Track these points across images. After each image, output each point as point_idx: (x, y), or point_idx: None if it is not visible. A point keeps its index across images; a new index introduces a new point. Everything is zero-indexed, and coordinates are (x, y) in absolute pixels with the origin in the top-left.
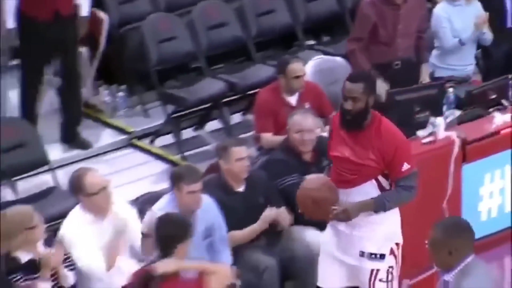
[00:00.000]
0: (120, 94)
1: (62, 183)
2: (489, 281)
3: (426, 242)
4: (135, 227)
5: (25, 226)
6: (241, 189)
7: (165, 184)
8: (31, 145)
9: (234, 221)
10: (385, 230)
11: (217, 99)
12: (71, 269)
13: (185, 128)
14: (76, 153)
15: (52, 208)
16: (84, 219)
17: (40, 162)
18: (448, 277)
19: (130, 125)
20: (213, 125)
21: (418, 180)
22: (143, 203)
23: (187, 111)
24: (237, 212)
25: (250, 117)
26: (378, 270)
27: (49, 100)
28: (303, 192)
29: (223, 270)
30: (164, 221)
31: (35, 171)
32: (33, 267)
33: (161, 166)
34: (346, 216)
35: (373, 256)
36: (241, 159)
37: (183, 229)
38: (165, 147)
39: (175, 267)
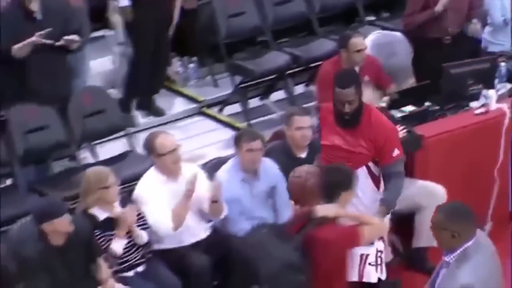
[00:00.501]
0: (192, 65)
1: (137, 148)
2: (487, 266)
3: (430, 222)
4: (204, 190)
5: (99, 185)
6: (303, 155)
7: (231, 150)
8: (110, 112)
9: None
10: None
11: (282, 71)
12: (145, 228)
13: (251, 98)
14: (150, 119)
15: (128, 171)
16: (157, 179)
17: (117, 128)
18: (449, 258)
19: (201, 95)
20: (278, 95)
21: (442, 156)
22: (211, 168)
23: (253, 82)
24: None
25: (312, 88)
26: (367, 254)
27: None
28: (293, 180)
29: (379, 223)
30: (332, 169)
31: (112, 136)
32: (110, 226)
33: (228, 133)
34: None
35: None
36: (301, 128)
37: (349, 178)
38: (232, 115)
39: (336, 213)
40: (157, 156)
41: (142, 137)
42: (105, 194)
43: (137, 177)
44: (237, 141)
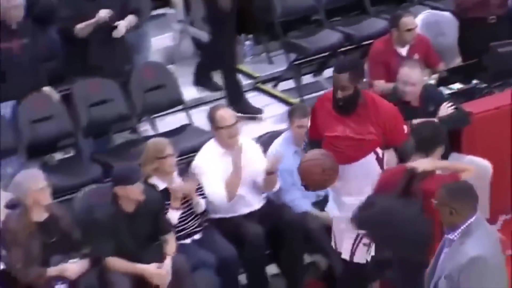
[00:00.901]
0: (248, 42)
1: (195, 121)
2: (490, 241)
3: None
4: (258, 163)
5: (157, 155)
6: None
7: (285, 125)
8: (169, 86)
9: None
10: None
11: (335, 49)
12: (203, 197)
13: (304, 74)
14: (208, 94)
15: (186, 143)
16: (215, 151)
17: (176, 102)
18: (452, 235)
19: (256, 71)
20: (330, 72)
21: (488, 132)
22: (266, 141)
23: (307, 59)
24: None
25: (364, 66)
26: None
27: (185, 47)
28: (310, 163)
29: (471, 168)
30: (426, 126)
31: (171, 110)
32: (167, 196)
33: (282, 108)
34: None
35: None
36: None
37: (443, 135)
38: (286, 91)
39: (433, 166)
40: (216, 129)
41: (199, 111)
42: (163, 164)
43: (194, 150)
44: (290, 116)
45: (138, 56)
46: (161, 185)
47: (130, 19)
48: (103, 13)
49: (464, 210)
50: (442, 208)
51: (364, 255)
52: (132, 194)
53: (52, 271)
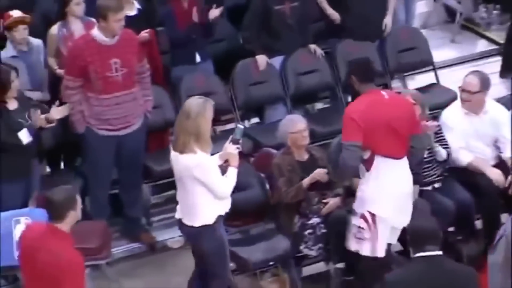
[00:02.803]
0: (495, 12)
1: (442, 81)
2: None
3: None
4: (502, 126)
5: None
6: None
7: None
8: (421, 49)
9: None
10: (360, 195)
11: None
12: (445, 148)
13: None
14: (457, 56)
15: (432, 100)
16: (460, 111)
17: (426, 63)
18: None
19: (501, 38)
20: None
21: None
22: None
23: None
24: None
25: None
26: (362, 228)
27: (438, 14)
28: None
29: None
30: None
31: (421, 70)
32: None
33: None
34: None
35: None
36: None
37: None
38: None
39: None
40: (460, 90)
41: (446, 72)
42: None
43: (439, 106)
44: None
45: (397, 21)
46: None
47: None
48: None
49: None
50: None
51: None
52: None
53: (306, 181)
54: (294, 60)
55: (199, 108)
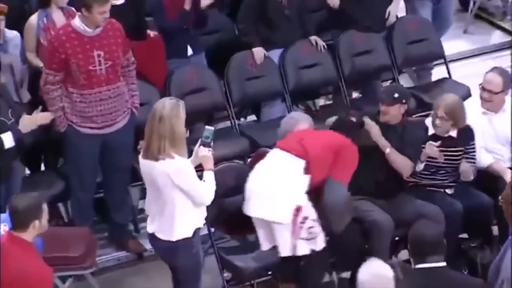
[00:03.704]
0: (511, 0)
1: (454, 75)
2: None
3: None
4: None
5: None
6: None
7: None
8: (431, 40)
9: None
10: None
11: None
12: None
13: None
14: (468, 49)
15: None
16: (477, 109)
17: (437, 56)
18: None
19: None
20: None
21: None
22: None
23: None
24: None
25: None
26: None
27: None
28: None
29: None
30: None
31: (431, 64)
32: None
33: None
34: None
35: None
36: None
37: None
38: None
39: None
40: (481, 88)
41: (459, 65)
42: None
43: None
44: None
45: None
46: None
47: None
48: None
49: None
50: (508, 207)
51: (305, 247)
52: None
53: None
54: (294, 53)
55: (172, 109)
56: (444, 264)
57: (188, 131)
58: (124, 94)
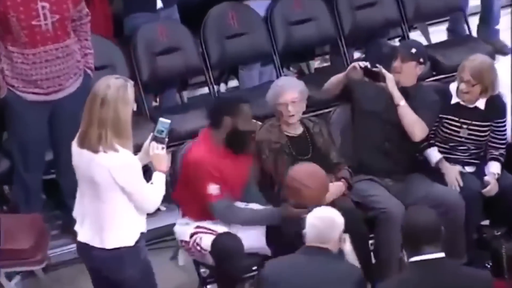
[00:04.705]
0: None
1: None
2: None
3: None
4: None
5: None
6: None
7: None
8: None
9: None
10: None
11: None
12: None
13: None
14: None
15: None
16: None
17: (454, 8)
18: None
19: None
20: None
21: None
22: None
23: None
24: None
25: None
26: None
27: None
28: None
29: None
30: None
31: (438, 20)
32: None
33: None
34: None
35: None
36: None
37: None
38: None
39: None
40: None
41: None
42: None
43: None
44: None
45: None
46: None
47: None
48: None
49: None
50: None
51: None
52: None
53: None
54: (284, 5)
55: (118, 90)
56: (442, 255)
57: (157, 100)
58: (75, 53)
